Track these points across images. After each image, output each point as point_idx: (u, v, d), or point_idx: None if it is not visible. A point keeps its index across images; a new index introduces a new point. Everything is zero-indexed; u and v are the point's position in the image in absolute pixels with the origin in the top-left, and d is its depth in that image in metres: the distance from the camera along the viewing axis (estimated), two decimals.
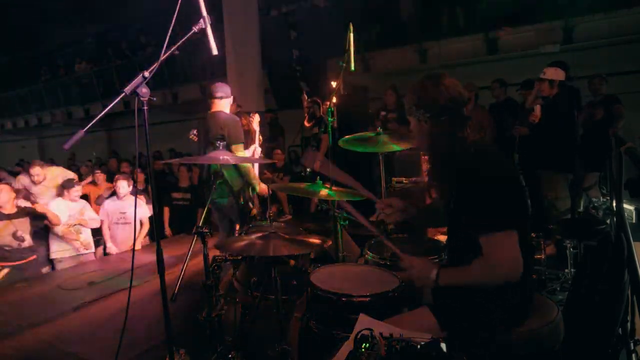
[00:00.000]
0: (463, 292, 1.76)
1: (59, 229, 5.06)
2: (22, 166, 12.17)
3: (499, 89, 5.99)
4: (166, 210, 6.43)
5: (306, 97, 6.79)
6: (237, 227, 3.91)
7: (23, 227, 4.81)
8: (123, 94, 1.79)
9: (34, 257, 4.88)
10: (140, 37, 13.92)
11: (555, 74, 4.48)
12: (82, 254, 5.28)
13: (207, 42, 1.95)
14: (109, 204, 5.60)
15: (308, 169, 6.45)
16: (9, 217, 4.72)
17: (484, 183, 1.67)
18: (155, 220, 2.07)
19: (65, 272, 5.08)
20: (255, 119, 4.37)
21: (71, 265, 5.20)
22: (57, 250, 5.16)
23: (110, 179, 6.36)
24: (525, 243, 1.67)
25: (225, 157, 2.53)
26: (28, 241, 4.80)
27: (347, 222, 3.02)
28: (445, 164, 1.79)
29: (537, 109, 4.47)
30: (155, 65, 1.82)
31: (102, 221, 5.49)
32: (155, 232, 2.02)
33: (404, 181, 4.18)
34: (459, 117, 1.77)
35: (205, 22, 1.88)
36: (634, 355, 2.05)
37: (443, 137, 1.78)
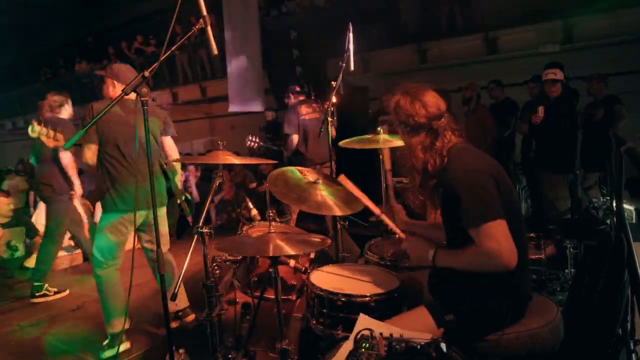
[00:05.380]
0: (459, 290, 1.77)
1: None
2: (24, 165, 12.17)
3: (496, 89, 6.00)
4: None
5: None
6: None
7: (18, 236, 4.80)
8: (123, 94, 1.79)
9: None
10: (140, 37, 13.90)
11: (562, 75, 4.48)
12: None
13: (207, 42, 1.95)
14: None
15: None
16: (4, 226, 4.72)
17: (460, 180, 1.71)
18: (155, 220, 2.05)
19: (64, 272, 5.08)
20: None
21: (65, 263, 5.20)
22: None
23: None
24: (515, 235, 1.67)
25: (227, 156, 2.51)
26: (21, 251, 4.79)
27: (347, 221, 3.02)
28: (425, 175, 1.85)
29: (541, 109, 4.46)
30: (155, 65, 1.82)
31: None
32: (155, 232, 2.02)
33: (404, 181, 4.18)
34: (436, 131, 1.83)
35: (205, 22, 1.88)
36: (634, 355, 2.05)
37: (421, 151, 1.84)
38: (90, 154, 2.89)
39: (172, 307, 3.22)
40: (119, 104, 2.68)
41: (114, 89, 3.03)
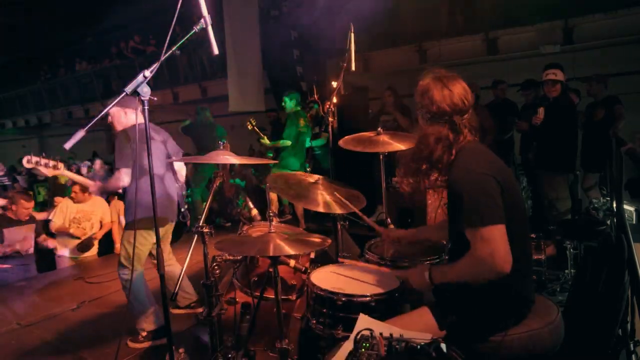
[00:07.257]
0: (461, 292, 1.76)
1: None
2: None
3: (500, 90, 6.02)
4: None
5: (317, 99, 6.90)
6: None
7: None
8: (124, 94, 1.79)
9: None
10: (140, 37, 13.91)
11: (562, 75, 4.49)
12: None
13: (208, 42, 1.95)
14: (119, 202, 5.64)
15: (309, 168, 6.45)
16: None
17: (463, 181, 1.70)
18: (154, 215, 2.03)
19: (65, 271, 5.09)
20: None
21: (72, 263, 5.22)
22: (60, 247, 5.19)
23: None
24: (518, 240, 1.67)
25: (226, 156, 2.51)
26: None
27: (347, 222, 3.02)
28: (429, 163, 1.81)
29: (541, 110, 4.46)
30: (156, 65, 1.82)
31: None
32: (155, 232, 2.01)
33: None
34: (455, 125, 1.78)
35: (205, 22, 1.88)
36: (634, 355, 2.05)
37: (436, 141, 1.79)
38: (128, 178, 2.99)
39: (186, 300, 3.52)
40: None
41: (126, 116, 3.14)
